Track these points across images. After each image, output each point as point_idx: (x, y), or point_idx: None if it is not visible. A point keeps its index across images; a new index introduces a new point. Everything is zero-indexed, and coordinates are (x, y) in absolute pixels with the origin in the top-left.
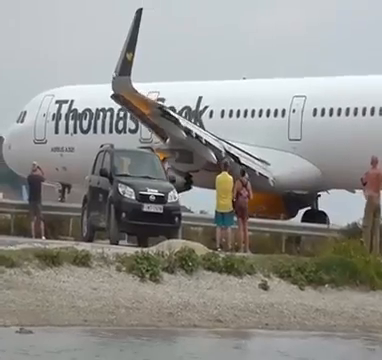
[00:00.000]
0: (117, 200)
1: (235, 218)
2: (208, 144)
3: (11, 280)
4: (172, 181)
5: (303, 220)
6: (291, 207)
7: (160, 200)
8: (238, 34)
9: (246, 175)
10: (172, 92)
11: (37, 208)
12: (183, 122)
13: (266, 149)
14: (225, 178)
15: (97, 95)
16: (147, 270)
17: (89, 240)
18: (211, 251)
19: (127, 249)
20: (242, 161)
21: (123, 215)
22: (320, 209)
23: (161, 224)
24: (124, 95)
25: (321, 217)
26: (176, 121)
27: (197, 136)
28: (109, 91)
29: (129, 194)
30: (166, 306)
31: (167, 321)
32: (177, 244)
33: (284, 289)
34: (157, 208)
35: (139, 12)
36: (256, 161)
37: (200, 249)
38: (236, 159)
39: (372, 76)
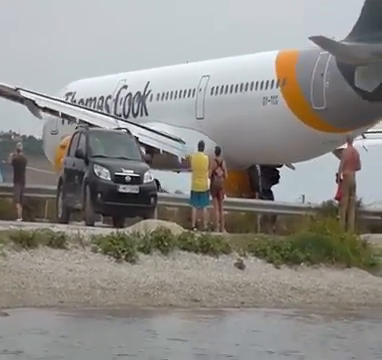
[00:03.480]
0: (92, 181)
1: (210, 198)
2: (87, 123)
3: None
4: (147, 162)
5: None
6: (258, 184)
7: (136, 181)
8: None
9: (221, 155)
10: (132, 79)
11: (22, 190)
12: (42, 103)
13: (183, 128)
14: (200, 157)
15: (90, 86)
16: (123, 251)
17: (65, 222)
18: (187, 231)
19: (103, 230)
20: (141, 140)
21: (99, 196)
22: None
23: (137, 205)
24: None
25: (267, 196)
26: (33, 102)
27: (65, 115)
28: (97, 83)
29: (104, 175)
30: (142, 286)
31: (143, 301)
32: (153, 224)
33: (260, 268)
34: (133, 189)
35: None
36: (166, 140)
37: (176, 229)
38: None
39: (267, 52)
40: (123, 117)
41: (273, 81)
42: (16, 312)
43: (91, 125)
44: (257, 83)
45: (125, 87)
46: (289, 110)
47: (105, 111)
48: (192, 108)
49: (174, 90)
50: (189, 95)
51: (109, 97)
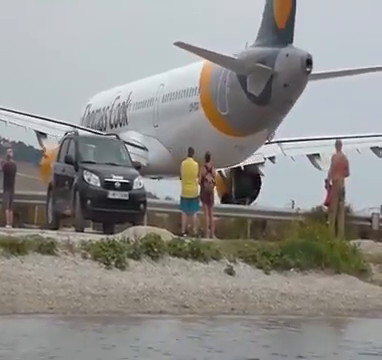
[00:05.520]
0: (82, 187)
1: (200, 203)
2: (39, 132)
3: None
4: (137, 167)
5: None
6: (244, 190)
7: (125, 187)
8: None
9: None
10: (123, 90)
11: (11, 196)
12: None
13: (146, 136)
14: (190, 163)
15: (100, 99)
16: (113, 257)
17: (54, 228)
18: (177, 237)
19: (92, 236)
20: None
21: (88, 202)
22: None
23: (126, 211)
24: None
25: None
26: None
27: (14, 123)
28: (104, 95)
29: (94, 181)
30: (132, 293)
31: (133, 308)
32: (143, 230)
33: (249, 274)
34: (122, 195)
35: None
36: (131, 148)
37: (166, 235)
38: None
39: (202, 60)
40: (114, 126)
41: (196, 88)
42: (6, 318)
43: (42, 134)
44: (186, 90)
45: (118, 98)
46: (205, 116)
47: (104, 121)
48: (151, 116)
49: (144, 99)
50: (150, 104)
51: (107, 108)
